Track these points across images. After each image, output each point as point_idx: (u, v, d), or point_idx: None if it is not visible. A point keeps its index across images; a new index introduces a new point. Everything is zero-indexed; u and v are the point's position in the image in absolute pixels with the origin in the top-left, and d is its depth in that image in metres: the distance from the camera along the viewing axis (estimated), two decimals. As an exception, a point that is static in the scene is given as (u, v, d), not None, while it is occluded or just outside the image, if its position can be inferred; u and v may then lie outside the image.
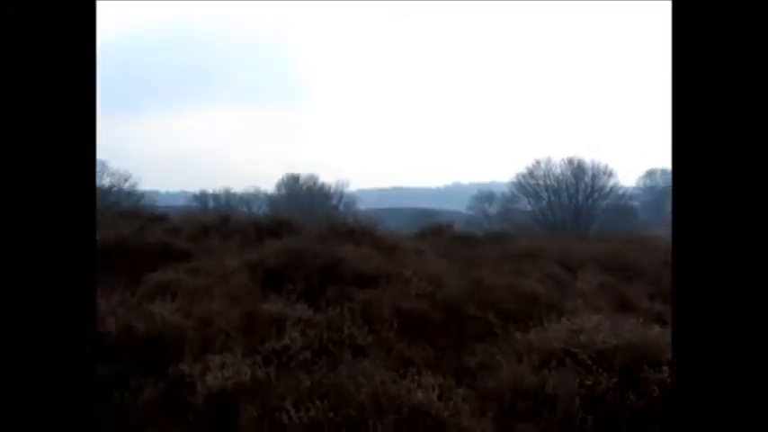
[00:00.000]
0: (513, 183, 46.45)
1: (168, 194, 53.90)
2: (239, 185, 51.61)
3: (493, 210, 48.48)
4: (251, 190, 47.67)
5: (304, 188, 47.55)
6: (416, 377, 6.16)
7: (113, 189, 39.30)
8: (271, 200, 47.25)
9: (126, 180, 39.24)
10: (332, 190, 48.14)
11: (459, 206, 53.38)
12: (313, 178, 47.94)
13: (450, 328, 8.88)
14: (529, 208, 45.92)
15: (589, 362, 6.46)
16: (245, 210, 42.86)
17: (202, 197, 45.47)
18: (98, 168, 37.92)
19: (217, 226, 15.41)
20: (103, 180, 38.96)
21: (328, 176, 50.01)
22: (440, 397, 5.86)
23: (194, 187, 54.86)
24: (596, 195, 43.88)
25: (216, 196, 45.61)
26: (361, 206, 47.24)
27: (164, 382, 6.63)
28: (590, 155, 45.06)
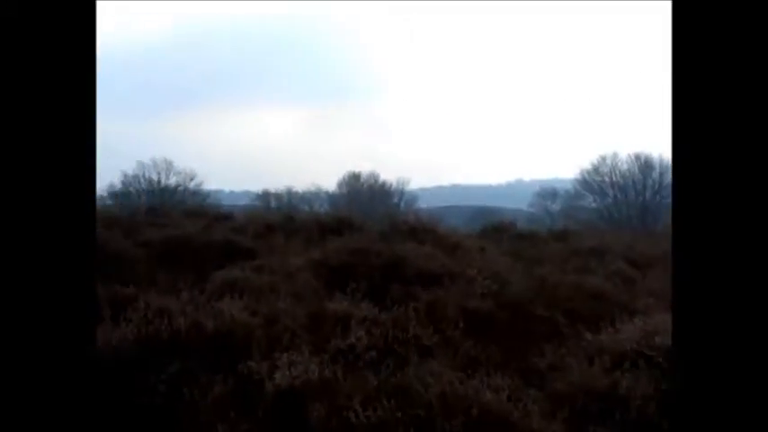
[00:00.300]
0: (577, 179, 45.54)
1: (232, 194, 54.93)
2: (301, 184, 52.01)
3: (555, 207, 47.63)
4: (312, 189, 48.14)
5: (365, 186, 47.72)
6: (485, 378, 6.07)
7: (179, 188, 40.16)
8: (332, 198, 47.62)
9: (191, 179, 40.07)
10: (392, 188, 48.19)
11: (520, 203, 52.65)
12: (374, 176, 48.10)
13: (517, 328, 8.75)
14: (593, 205, 44.94)
15: (665, 365, 6.24)
16: (307, 208, 43.27)
17: (265, 196, 46.09)
18: (164, 167, 38.88)
19: (281, 224, 15.60)
20: (170, 179, 39.88)
21: (389, 174, 49.95)
22: (509, 398, 5.76)
23: (257, 186, 55.67)
24: (665, 192, 42.58)
25: (278, 195, 46.19)
26: (422, 204, 47.13)
27: (232, 380, 6.71)
28: (658, 150, 43.48)
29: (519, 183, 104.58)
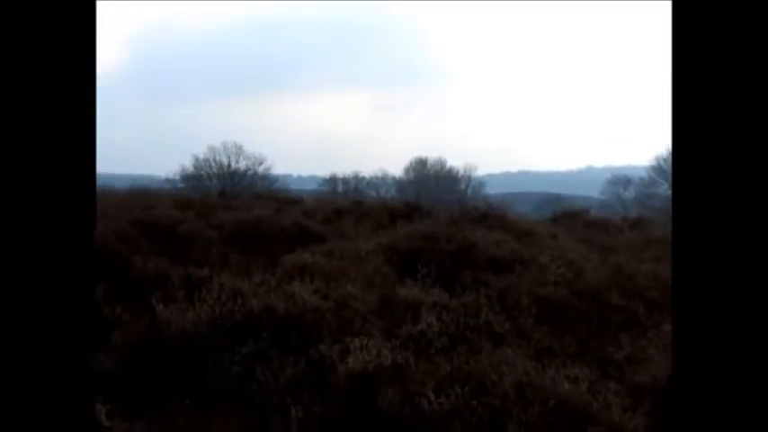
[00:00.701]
0: (652, 166, 44.06)
1: (300, 178, 55.54)
2: (368, 169, 52.06)
3: (628, 194, 46.28)
4: (379, 174, 48.12)
5: (432, 172, 47.43)
6: (561, 368, 5.89)
7: (248, 172, 40.71)
8: (398, 184, 47.51)
9: (260, 164, 40.51)
10: (459, 174, 47.74)
11: (590, 191, 51.39)
12: (441, 162, 47.71)
13: (592, 317, 8.48)
14: (669, 193, 43.47)
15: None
16: (374, 194, 43.29)
17: (332, 181, 46.35)
18: (234, 151, 39.48)
19: (349, 209, 15.61)
20: (239, 163, 40.44)
21: (456, 160, 49.42)
22: (587, 390, 5.57)
23: (324, 171, 56.14)
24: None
25: (345, 180, 46.38)
26: (489, 191, 46.54)
27: (304, 362, 6.72)
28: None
29: (590, 169, 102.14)
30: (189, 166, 39.43)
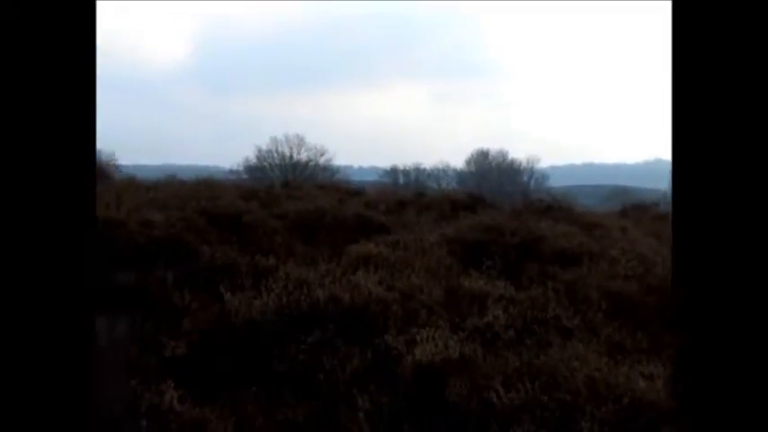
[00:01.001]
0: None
1: (360, 169, 55.73)
2: (428, 161, 51.90)
3: (698, 188, 44.73)
4: (440, 166, 47.90)
5: (493, 164, 46.98)
6: (635, 365, 5.71)
7: (310, 163, 41.14)
8: (460, 176, 47.21)
9: (322, 155, 40.88)
10: (522, 166, 47.14)
11: (658, 183, 49.91)
12: (503, 154, 47.19)
13: (665, 313, 8.21)
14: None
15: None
16: (435, 185, 43.13)
17: (393, 172, 46.39)
18: (296, 143, 39.91)
19: (412, 200, 15.55)
20: (301, 154, 40.90)
21: (518, 152, 48.81)
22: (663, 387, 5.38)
23: (384, 162, 56.17)
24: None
25: (405, 172, 46.36)
26: (553, 183, 45.76)
27: (370, 352, 6.71)
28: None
29: (658, 162, 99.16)
30: (252, 157, 40.05)
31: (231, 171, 38.47)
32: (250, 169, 39.40)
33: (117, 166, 28.05)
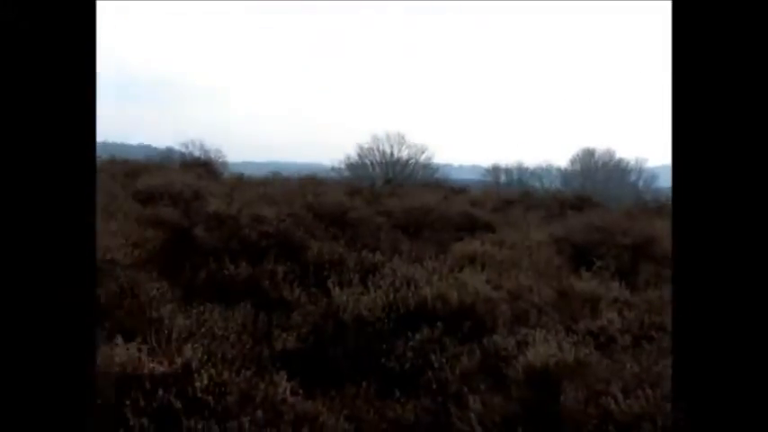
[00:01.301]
0: None
1: (461, 168, 55.35)
2: (531, 160, 50.90)
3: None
4: (543, 164, 46.86)
5: (600, 163, 45.50)
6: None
7: (410, 161, 41.22)
8: (564, 175, 46.04)
9: (422, 152, 40.84)
10: (629, 166, 45.40)
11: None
12: (609, 153, 45.59)
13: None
14: None
15: None
16: (537, 184, 42.26)
17: (494, 171, 45.77)
18: (397, 140, 40.12)
19: (518, 199, 15.33)
20: (402, 152, 41.02)
21: (625, 151, 47.05)
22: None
23: (486, 161, 55.64)
24: None
25: (507, 170, 45.64)
26: (662, 183, 43.89)
27: (480, 352, 6.61)
28: None
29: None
30: (353, 154, 40.52)
31: (332, 168, 39.05)
32: (351, 167, 39.86)
33: (224, 163, 29.08)
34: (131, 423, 5.01)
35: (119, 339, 6.00)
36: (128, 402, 5.21)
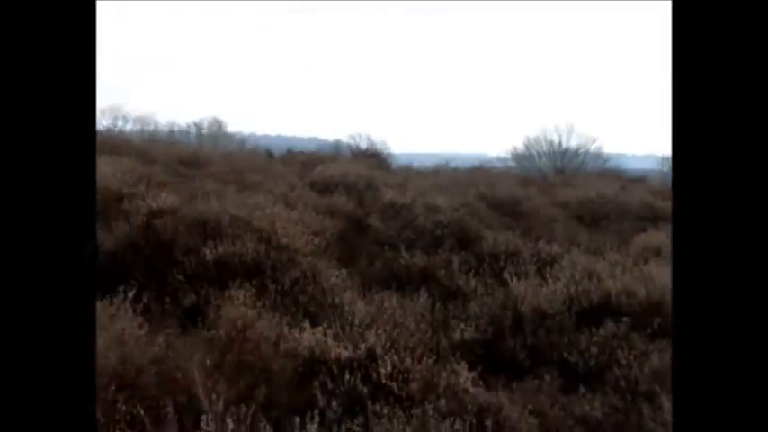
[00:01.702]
0: None
1: (634, 157, 52.73)
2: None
3: None
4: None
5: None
6: None
7: (580, 151, 39.95)
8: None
9: (593, 142, 39.46)
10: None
11: None
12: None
13: None
14: None
15: None
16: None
17: (666, 161, 43.29)
18: (565, 131, 39.02)
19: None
20: (570, 142, 39.84)
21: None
22: None
23: (661, 151, 52.58)
24: None
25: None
26: None
27: (670, 351, 6.20)
28: None
29: None
30: (520, 145, 39.92)
31: (498, 159, 38.70)
32: (518, 157, 39.28)
33: (390, 155, 29.66)
34: (321, 404, 5.19)
35: (306, 323, 6.28)
36: (317, 384, 5.42)
